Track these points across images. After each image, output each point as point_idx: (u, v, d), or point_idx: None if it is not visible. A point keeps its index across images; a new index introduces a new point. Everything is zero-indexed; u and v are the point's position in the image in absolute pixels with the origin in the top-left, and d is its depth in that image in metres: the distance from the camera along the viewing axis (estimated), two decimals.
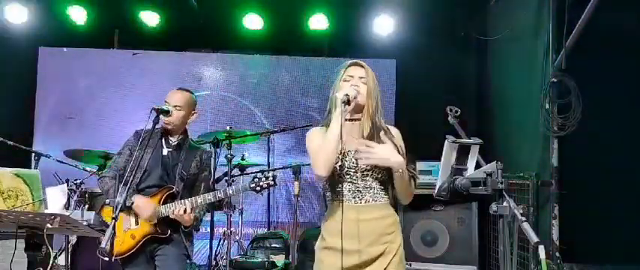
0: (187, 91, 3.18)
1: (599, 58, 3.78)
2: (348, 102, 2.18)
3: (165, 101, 3.06)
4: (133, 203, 2.91)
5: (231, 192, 3.05)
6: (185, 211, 2.90)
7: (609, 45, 3.79)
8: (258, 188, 2.96)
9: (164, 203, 2.96)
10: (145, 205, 2.92)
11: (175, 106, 3.03)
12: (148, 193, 3.00)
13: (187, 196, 3.03)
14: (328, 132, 2.18)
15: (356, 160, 2.23)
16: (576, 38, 3.68)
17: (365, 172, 2.24)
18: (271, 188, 3.02)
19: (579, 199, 3.77)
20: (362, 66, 2.34)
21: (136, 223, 2.98)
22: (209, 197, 2.96)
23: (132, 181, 2.73)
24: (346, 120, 2.25)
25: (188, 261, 3.11)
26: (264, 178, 2.96)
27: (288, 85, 6.36)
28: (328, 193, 2.32)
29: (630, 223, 3.65)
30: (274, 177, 2.97)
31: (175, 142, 3.11)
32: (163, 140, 3.09)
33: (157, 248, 2.99)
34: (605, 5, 3.45)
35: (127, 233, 2.95)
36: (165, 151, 3.07)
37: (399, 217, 2.33)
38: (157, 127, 3.00)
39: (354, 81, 2.29)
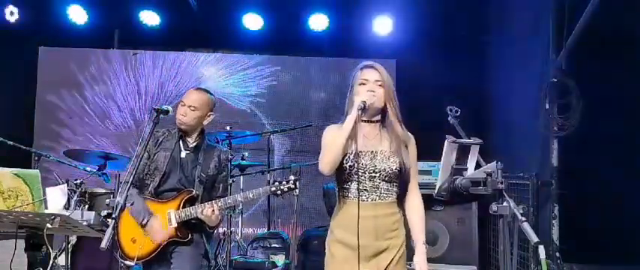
0: (205, 91, 3.12)
1: (599, 58, 3.77)
2: (364, 109, 2.25)
3: (182, 101, 3.03)
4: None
5: (251, 196, 2.99)
6: (213, 212, 2.88)
7: (609, 45, 3.78)
8: (278, 192, 2.92)
9: (183, 207, 2.93)
10: (157, 232, 2.89)
11: (190, 107, 2.99)
12: (166, 197, 2.97)
13: (207, 198, 3.00)
14: (338, 135, 2.25)
15: (366, 162, 2.29)
16: (576, 38, 3.68)
17: (373, 174, 2.30)
18: (292, 192, 2.97)
19: (579, 199, 3.77)
20: (377, 68, 2.38)
21: None
22: (229, 201, 2.94)
23: (132, 180, 2.72)
24: (363, 121, 2.34)
25: (206, 261, 3.09)
26: (285, 182, 2.93)
27: (288, 85, 6.36)
28: (340, 189, 2.40)
29: (630, 223, 3.64)
30: (296, 181, 2.93)
31: (193, 144, 3.06)
32: (181, 142, 3.05)
33: (175, 249, 2.97)
34: (605, 5, 3.45)
35: (147, 237, 2.92)
36: (183, 154, 3.03)
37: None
38: (171, 128, 3.03)
39: (370, 85, 2.33)
